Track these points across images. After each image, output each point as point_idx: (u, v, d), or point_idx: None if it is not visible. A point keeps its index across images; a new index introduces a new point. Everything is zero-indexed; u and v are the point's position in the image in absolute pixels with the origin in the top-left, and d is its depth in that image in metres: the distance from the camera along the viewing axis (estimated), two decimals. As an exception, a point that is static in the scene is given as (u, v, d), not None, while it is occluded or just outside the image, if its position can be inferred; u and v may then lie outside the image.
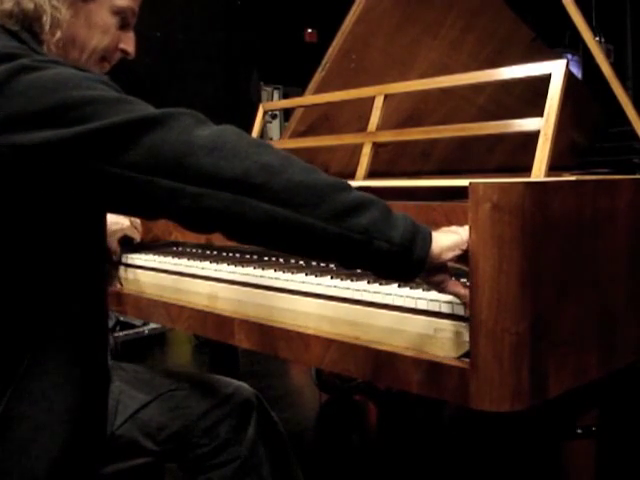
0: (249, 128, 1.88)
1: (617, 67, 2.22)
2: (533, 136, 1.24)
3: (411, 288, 1.09)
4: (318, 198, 0.85)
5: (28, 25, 1.00)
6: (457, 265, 0.95)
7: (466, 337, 0.95)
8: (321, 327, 1.16)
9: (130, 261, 1.66)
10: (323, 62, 1.84)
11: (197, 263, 1.47)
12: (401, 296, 1.06)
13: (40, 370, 0.99)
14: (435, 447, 2.43)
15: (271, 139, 4.77)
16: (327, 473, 2.25)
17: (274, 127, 5.43)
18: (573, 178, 1.10)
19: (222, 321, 1.33)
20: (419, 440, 2.51)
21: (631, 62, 6.13)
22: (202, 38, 4.20)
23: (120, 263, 1.67)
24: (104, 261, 1.17)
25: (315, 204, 0.84)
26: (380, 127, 1.55)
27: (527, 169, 1.23)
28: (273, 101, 5.50)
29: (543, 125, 1.23)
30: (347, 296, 1.14)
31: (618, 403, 1.85)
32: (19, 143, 0.84)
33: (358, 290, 1.12)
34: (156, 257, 1.60)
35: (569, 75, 1.28)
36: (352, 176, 1.53)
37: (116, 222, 1.59)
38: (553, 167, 1.24)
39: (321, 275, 1.22)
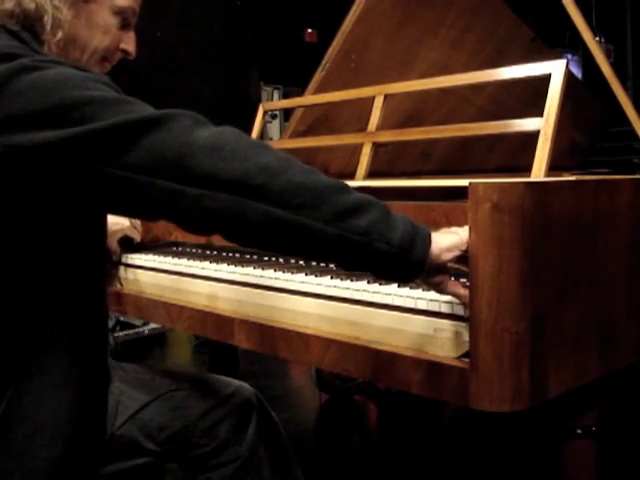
0: (249, 128, 1.88)
1: (617, 67, 2.22)
2: (533, 136, 1.24)
3: (411, 288, 1.09)
4: (317, 200, 0.84)
5: (29, 25, 1.00)
6: (457, 266, 0.95)
7: (466, 337, 0.95)
8: (321, 327, 1.16)
9: (130, 261, 1.66)
10: (323, 62, 1.84)
11: (197, 263, 1.47)
12: (401, 296, 1.06)
13: (40, 370, 0.99)
14: (435, 447, 2.42)
15: (271, 139, 4.77)
16: (327, 473, 2.25)
17: (274, 127, 5.43)
18: (573, 178, 1.09)
19: (222, 321, 1.33)
20: (419, 440, 2.51)
21: (631, 62, 6.13)
22: (202, 38, 4.20)
23: (120, 263, 1.67)
24: (104, 261, 1.17)
25: (314, 205, 0.84)
26: (380, 127, 1.55)
27: (527, 169, 1.23)
28: (273, 101, 5.50)
29: (543, 125, 1.23)
30: (347, 296, 1.14)
31: (618, 403, 1.85)
32: (19, 143, 0.84)
33: (358, 290, 1.12)
34: (156, 257, 1.61)
35: (569, 75, 1.28)
36: (352, 176, 1.53)
37: (116, 222, 1.59)
38: (553, 167, 1.24)
39: (321, 275, 1.22)
